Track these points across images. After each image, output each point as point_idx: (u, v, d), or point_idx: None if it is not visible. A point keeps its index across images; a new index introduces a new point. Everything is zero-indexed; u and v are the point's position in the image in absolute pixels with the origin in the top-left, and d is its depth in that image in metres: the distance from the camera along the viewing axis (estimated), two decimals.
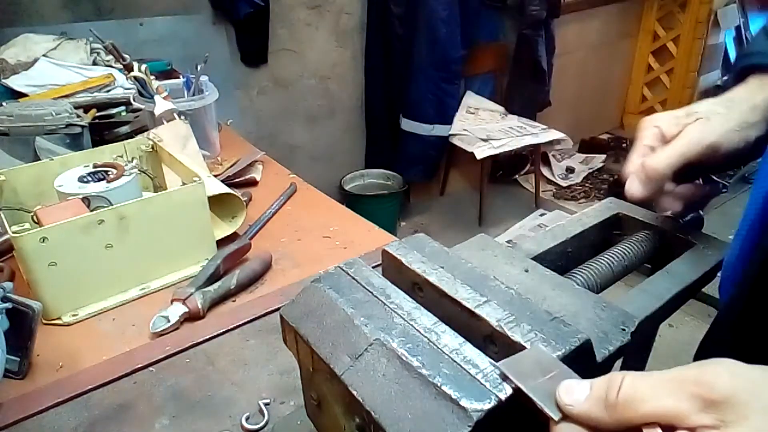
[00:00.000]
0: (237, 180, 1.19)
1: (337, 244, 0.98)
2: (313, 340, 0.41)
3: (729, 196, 3.53)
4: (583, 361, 0.38)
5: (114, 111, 1.36)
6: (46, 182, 0.92)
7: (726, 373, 0.28)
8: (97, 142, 1.17)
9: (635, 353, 0.56)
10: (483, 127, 3.13)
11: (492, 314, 0.39)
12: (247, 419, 0.62)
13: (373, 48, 2.87)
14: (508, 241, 2.82)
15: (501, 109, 3.29)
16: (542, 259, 0.54)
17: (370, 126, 3.09)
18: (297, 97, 2.81)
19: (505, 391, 0.33)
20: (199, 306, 0.79)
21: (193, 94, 1.29)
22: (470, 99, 3.26)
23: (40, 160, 1.01)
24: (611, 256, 0.55)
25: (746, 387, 0.27)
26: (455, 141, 3.03)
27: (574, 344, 0.37)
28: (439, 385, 0.34)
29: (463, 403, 0.33)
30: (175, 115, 1.14)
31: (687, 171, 0.53)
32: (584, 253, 0.59)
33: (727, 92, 0.56)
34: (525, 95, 3.29)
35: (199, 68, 1.29)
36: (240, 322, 0.78)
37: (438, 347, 0.37)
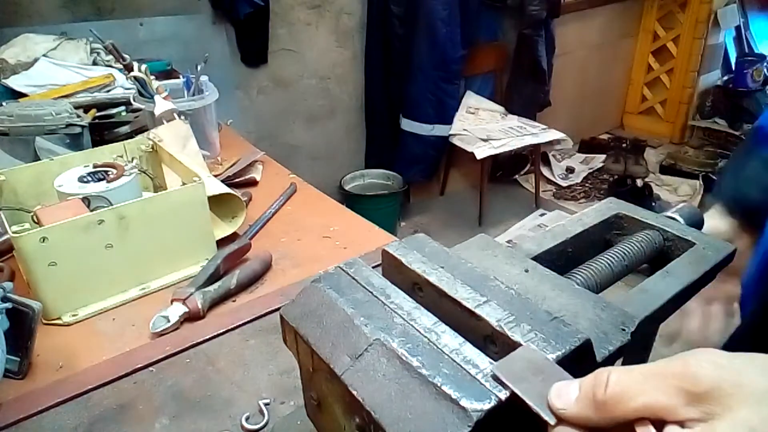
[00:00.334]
0: (237, 180, 1.19)
1: (337, 244, 0.98)
2: (313, 340, 0.41)
3: None
4: (584, 361, 0.38)
5: (114, 111, 1.36)
6: (46, 182, 0.92)
7: (709, 365, 0.28)
8: (97, 142, 1.17)
9: (635, 353, 0.56)
10: (483, 127, 3.13)
11: (492, 314, 0.39)
12: (247, 419, 0.62)
13: (373, 48, 2.87)
14: (508, 241, 2.82)
15: (501, 109, 3.29)
16: (542, 259, 0.54)
17: (370, 126, 3.09)
18: (297, 97, 2.81)
19: (505, 391, 0.33)
20: (199, 306, 0.79)
21: (193, 94, 1.29)
22: (470, 99, 3.26)
23: (40, 160, 1.01)
24: (611, 256, 0.55)
25: (729, 377, 0.27)
26: (455, 141, 3.03)
27: (574, 344, 0.37)
28: (439, 385, 0.34)
29: (463, 403, 0.33)
30: (175, 115, 1.14)
31: None
32: (584, 253, 0.59)
33: None
34: (525, 95, 3.29)
35: (199, 68, 1.29)
36: (240, 322, 0.78)
37: (438, 347, 0.37)
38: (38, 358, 0.73)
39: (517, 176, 3.67)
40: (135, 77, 1.21)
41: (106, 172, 0.92)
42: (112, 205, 0.82)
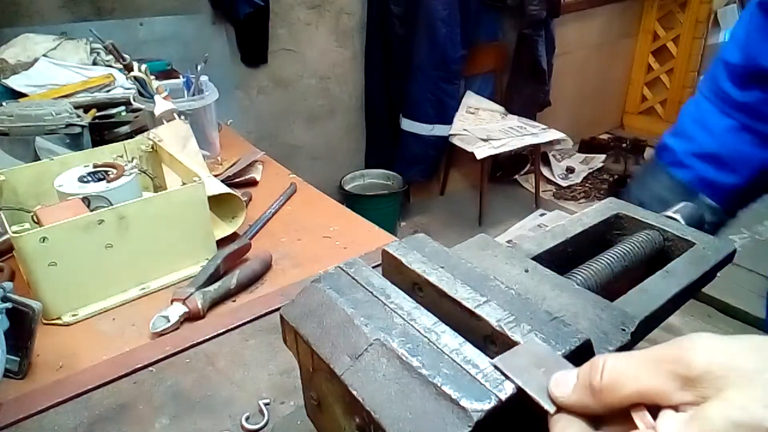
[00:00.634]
0: (237, 180, 1.19)
1: (337, 244, 0.98)
2: (313, 340, 0.41)
3: None
4: (584, 361, 0.38)
5: (114, 111, 1.36)
6: (46, 182, 0.92)
7: (701, 349, 0.28)
8: (97, 142, 1.17)
9: None
10: (483, 127, 3.13)
11: (492, 314, 0.39)
12: (247, 419, 0.62)
13: (373, 48, 2.87)
14: (508, 241, 2.82)
15: (501, 109, 3.29)
16: (542, 259, 0.54)
17: (370, 126, 3.09)
18: (297, 97, 2.81)
19: (505, 391, 0.33)
20: (199, 306, 0.79)
21: (193, 94, 1.29)
22: (470, 99, 3.26)
23: (40, 160, 1.01)
24: (611, 256, 0.55)
25: (721, 360, 0.27)
26: (455, 141, 3.03)
27: (575, 344, 0.37)
28: (439, 385, 0.34)
29: (463, 403, 0.33)
30: (175, 115, 1.14)
31: None
32: (584, 253, 0.59)
33: None
34: (525, 95, 3.29)
35: (199, 68, 1.29)
36: (240, 322, 0.78)
37: (438, 347, 0.37)
38: (38, 358, 0.73)
39: (517, 176, 3.67)
40: (135, 77, 1.21)
41: (106, 172, 0.92)
42: (112, 205, 0.82)
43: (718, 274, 0.56)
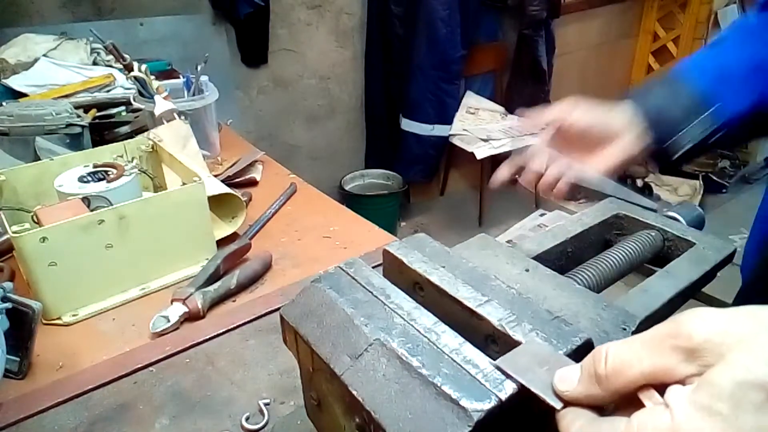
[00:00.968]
0: (237, 180, 1.19)
1: (337, 244, 0.98)
2: (313, 340, 0.41)
3: (729, 196, 3.53)
4: None
5: (114, 111, 1.36)
6: (46, 182, 0.92)
7: (698, 320, 0.28)
8: (97, 142, 1.17)
9: None
10: (483, 127, 3.13)
11: (493, 314, 0.39)
12: (247, 419, 0.62)
13: (373, 48, 2.87)
14: (508, 241, 2.81)
15: (501, 109, 3.28)
16: (542, 259, 0.54)
17: (370, 126, 3.09)
18: (297, 97, 2.81)
19: (505, 391, 0.33)
20: (199, 306, 0.79)
21: (193, 94, 1.29)
22: (470, 99, 3.26)
23: (40, 160, 1.01)
24: (611, 256, 0.55)
25: (719, 328, 0.28)
26: (455, 141, 3.03)
27: (576, 343, 0.37)
28: (439, 385, 0.34)
29: (464, 403, 0.33)
30: (175, 115, 1.14)
31: None
32: (584, 253, 0.59)
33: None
34: (525, 95, 3.29)
35: (199, 68, 1.29)
36: (240, 322, 0.78)
37: (438, 347, 0.37)
38: (38, 358, 0.73)
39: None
40: (135, 77, 1.21)
41: (106, 172, 0.92)
42: (112, 205, 0.82)
43: (718, 274, 0.56)
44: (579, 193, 0.67)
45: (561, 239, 0.58)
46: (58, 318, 0.80)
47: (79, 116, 1.15)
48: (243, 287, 0.86)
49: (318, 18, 2.70)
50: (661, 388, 0.29)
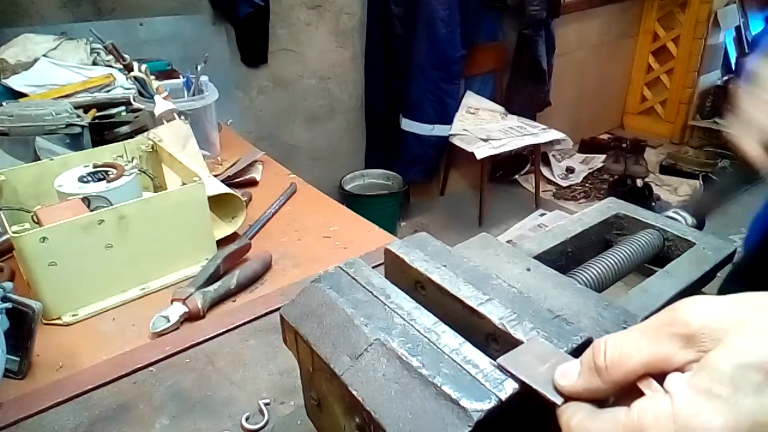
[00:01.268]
0: (237, 180, 1.19)
1: (337, 244, 0.98)
2: (313, 340, 0.41)
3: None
4: None
5: (114, 111, 1.35)
6: (46, 182, 0.92)
7: (694, 306, 0.29)
8: (97, 142, 1.17)
9: None
10: (483, 127, 3.13)
11: (494, 312, 0.39)
12: (247, 419, 0.62)
13: (373, 48, 2.87)
14: (508, 241, 2.81)
15: (501, 109, 3.29)
16: (542, 259, 0.54)
17: (370, 126, 3.09)
18: (297, 97, 2.81)
19: (505, 391, 0.33)
20: (199, 306, 0.79)
21: (193, 94, 1.29)
22: (470, 99, 3.26)
23: (40, 160, 1.01)
24: (611, 256, 0.55)
25: (714, 313, 0.28)
26: (455, 141, 3.03)
27: (577, 342, 0.37)
28: (439, 385, 0.34)
29: (463, 403, 0.33)
30: (175, 115, 1.14)
31: None
32: (584, 253, 0.59)
33: None
34: (525, 95, 3.29)
35: (199, 68, 1.29)
36: (240, 322, 0.78)
37: (438, 347, 0.37)
38: (38, 358, 0.73)
39: (517, 176, 3.67)
40: (135, 77, 1.21)
41: (106, 172, 0.92)
42: (112, 205, 0.82)
43: (718, 274, 0.56)
44: None
45: (561, 239, 0.58)
46: (58, 318, 0.80)
47: (79, 116, 1.15)
48: (243, 287, 0.86)
49: (318, 18, 2.70)
50: (660, 377, 0.29)
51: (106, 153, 1.00)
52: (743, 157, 0.61)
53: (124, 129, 1.25)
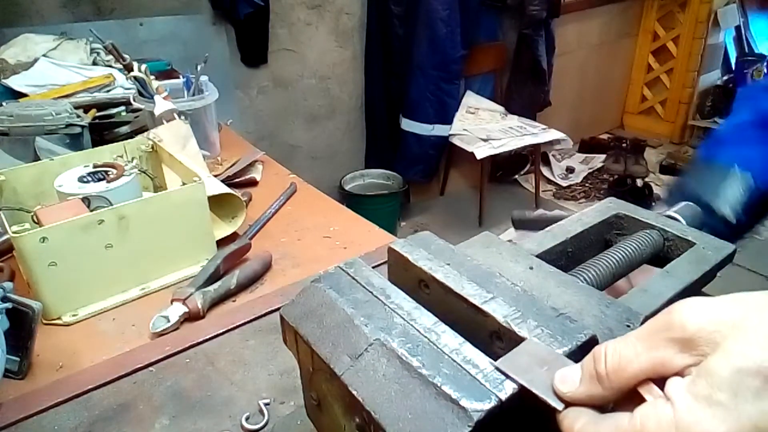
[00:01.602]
0: (237, 180, 1.19)
1: (337, 244, 0.98)
2: (313, 340, 0.41)
3: None
4: None
5: (114, 111, 1.36)
6: (46, 182, 0.92)
7: (690, 310, 0.29)
8: (97, 142, 1.17)
9: None
10: (483, 127, 3.13)
11: (498, 310, 0.39)
12: (247, 419, 0.62)
13: (373, 48, 2.87)
14: (508, 241, 2.80)
15: (501, 109, 3.29)
16: (542, 258, 0.54)
17: (370, 126, 3.09)
18: (297, 97, 2.81)
19: (505, 391, 0.33)
20: (199, 306, 0.79)
21: (193, 94, 1.29)
22: (470, 99, 3.26)
23: (40, 160, 1.01)
24: (612, 256, 0.55)
25: (710, 316, 0.28)
26: (455, 141, 3.03)
27: (581, 340, 0.37)
28: (439, 385, 0.34)
29: (463, 403, 0.33)
30: (175, 115, 1.14)
31: None
32: (584, 253, 0.59)
33: None
34: (525, 95, 3.29)
35: (199, 68, 1.29)
36: (240, 322, 0.78)
37: (438, 347, 0.37)
38: (38, 358, 0.73)
39: (517, 176, 3.67)
40: (135, 77, 1.21)
41: (106, 172, 0.92)
42: (112, 205, 0.82)
43: (718, 274, 0.56)
44: None
45: (561, 239, 0.58)
46: (58, 318, 0.80)
47: (79, 116, 1.15)
48: (243, 287, 0.86)
49: (318, 18, 2.70)
50: (660, 381, 0.29)
51: (106, 153, 1.00)
52: None
53: (124, 129, 1.25)
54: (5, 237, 0.88)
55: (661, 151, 4.04)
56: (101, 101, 1.38)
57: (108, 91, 1.47)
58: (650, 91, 4.29)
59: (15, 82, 1.47)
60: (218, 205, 0.96)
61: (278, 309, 0.47)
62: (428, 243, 0.49)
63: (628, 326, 0.43)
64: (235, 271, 0.86)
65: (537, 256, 0.54)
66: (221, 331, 0.76)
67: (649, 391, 0.29)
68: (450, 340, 0.38)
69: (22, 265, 0.80)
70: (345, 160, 3.09)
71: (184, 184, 0.91)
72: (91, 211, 0.81)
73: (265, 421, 0.62)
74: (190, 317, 0.79)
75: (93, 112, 1.31)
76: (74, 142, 1.12)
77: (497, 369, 0.35)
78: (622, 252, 0.55)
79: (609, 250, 0.56)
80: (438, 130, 3.01)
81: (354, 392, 0.36)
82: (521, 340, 0.37)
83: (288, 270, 0.91)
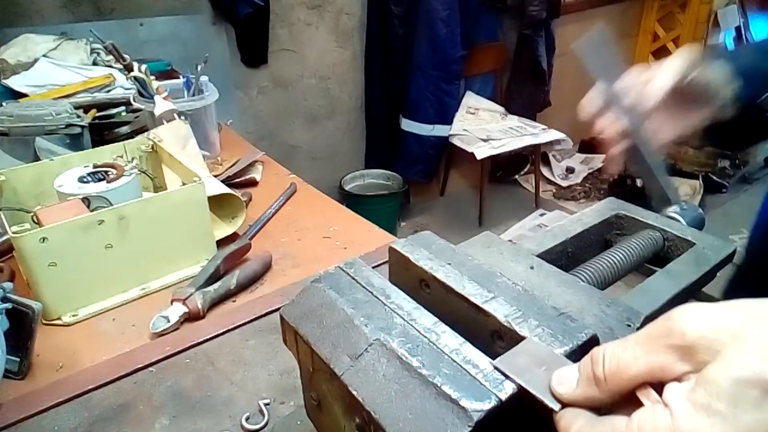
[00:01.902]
0: (237, 180, 1.19)
1: (337, 244, 0.98)
2: (313, 340, 0.41)
3: (729, 196, 3.53)
4: None
5: (114, 111, 1.35)
6: (46, 182, 0.92)
7: (689, 317, 0.29)
8: (97, 142, 1.17)
9: None
10: (483, 127, 3.13)
11: (499, 310, 0.39)
12: (247, 419, 0.62)
13: (373, 48, 2.87)
14: (508, 241, 2.81)
15: (501, 109, 3.29)
16: (543, 258, 0.54)
17: (370, 126, 3.09)
18: (297, 97, 2.81)
19: (505, 391, 0.33)
20: (199, 306, 0.79)
21: (193, 94, 1.29)
22: (470, 99, 3.26)
23: (40, 160, 1.01)
24: (612, 256, 0.55)
25: (710, 324, 0.28)
26: (455, 141, 3.03)
27: (582, 339, 0.37)
28: (439, 385, 0.34)
29: (463, 403, 0.33)
30: (175, 115, 1.14)
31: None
32: (584, 253, 0.59)
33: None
34: (525, 95, 3.29)
35: (199, 68, 1.29)
36: (240, 322, 0.78)
37: (438, 347, 0.37)
38: (38, 358, 0.73)
39: (517, 176, 3.67)
40: (135, 77, 1.21)
41: (106, 172, 0.92)
42: (112, 205, 0.82)
43: (718, 274, 0.56)
44: (633, 163, 0.65)
45: (561, 239, 0.58)
46: (58, 318, 0.80)
47: (79, 116, 1.15)
48: (243, 287, 0.86)
49: (318, 18, 2.70)
50: (658, 385, 0.29)
51: (106, 153, 1.00)
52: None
53: (124, 129, 1.25)
54: (5, 237, 0.88)
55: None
56: (101, 101, 1.38)
57: (108, 91, 1.47)
58: None
59: (15, 82, 1.47)
60: (218, 205, 0.96)
61: (278, 309, 0.47)
62: (429, 243, 0.49)
63: (629, 326, 0.43)
64: (235, 271, 0.86)
65: (537, 256, 0.54)
66: (221, 331, 0.76)
67: (647, 396, 0.29)
68: (450, 340, 0.38)
69: (22, 265, 0.80)
70: (345, 160, 3.09)
71: (184, 184, 0.91)
72: (91, 211, 0.81)
73: (265, 421, 0.62)
74: (190, 317, 0.79)
75: (93, 113, 1.31)
76: (74, 143, 1.12)
77: (495, 368, 0.35)
78: (622, 252, 0.55)
79: (609, 250, 0.56)
80: (438, 130, 3.01)
81: (354, 392, 0.36)
82: (522, 339, 0.37)
83: (288, 270, 0.91)
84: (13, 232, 0.73)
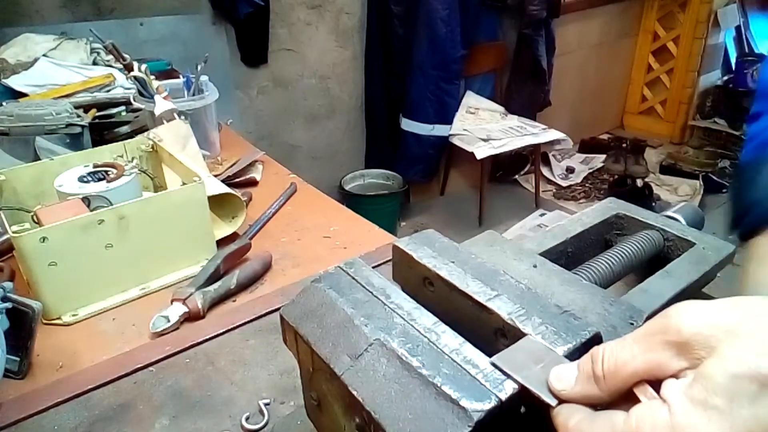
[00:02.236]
0: (237, 180, 1.19)
1: (337, 244, 0.98)
2: (313, 340, 0.41)
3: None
4: None
5: (114, 111, 1.35)
6: (46, 182, 0.92)
7: (686, 314, 0.29)
8: (97, 142, 1.17)
9: None
10: (483, 127, 3.13)
11: (503, 308, 0.40)
12: (247, 419, 0.62)
13: (373, 48, 2.87)
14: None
15: (501, 109, 3.28)
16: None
17: (370, 126, 3.09)
18: (297, 97, 2.80)
19: (506, 391, 0.33)
20: (199, 306, 0.79)
21: (193, 94, 1.29)
22: (470, 99, 3.26)
23: (40, 160, 1.01)
24: (612, 256, 0.55)
25: (706, 320, 0.28)
26: (455, 141, 3.03)
27: (585, 337, 0.37)
28: (439, 385, 0.34)
29: (463, 403, 0.33)
30: (175, 115, 1.14)
31: None
32: (584, 253, 0.59)
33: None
34: (525, 95, 3.29)
35: (199, 68, 1.29)
36: (240, 322, 0.78)
37: (438, 347, 0.37)
38: (38, 358, 0.73)
39: (517, 176, 3.67)
40: (135, 77, 1.21)
41: (106, 172, 0.92)
42: (112, 205, 0.82)
43: (718, 274, 0.56)
44: None
45: (561, 239, 0.58)
46: (58, 318, 0.80)
47: (79, 116, 1.15)
48: (243, 287, 0.86)
49: (318, 18, 2.70)
50: (655, 382, 0.29)
51: (106, 153, 1.00)
52: None
53: (124, 129, 1.25)
54: (5, 237, 0.88)
55: (661, 152, 4.04)
56: (101, 101, 1.38)
57: (108, 91, 1.47)
58: (650, 92, 4.28)
59: (15, 82, 1.47)
60: (218, 205, 0.96)
61: (278, 309, 0.47)
62: (432, 241, 0.49)
63: (632, 324, 0.43)
64: (235, 271, 0.86)
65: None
66: (221, 331, 0.76)
67: (644, 392, 0.29)
68: (450, 340, 0.38)
69: (22, 265, 0.80)
70: (345, 160, 3.09)
71: (184, 184, 0.91)
72: (91, 211, 0.81)
73: (265, 421, 0.62)
74: (190, 317, 0.79)
75: (93, 112, 1.31)
76: (74, 142, 1.12)
77: (493, 365, 0.35)
78: (620, 253, 0.55)
79: (607, 251, 0.56)
80: (438, 130, 3.01)
81: (354, 392, 0.36)
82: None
83: (288, 270, 0.91)
84: (13, 232, 0.73)
